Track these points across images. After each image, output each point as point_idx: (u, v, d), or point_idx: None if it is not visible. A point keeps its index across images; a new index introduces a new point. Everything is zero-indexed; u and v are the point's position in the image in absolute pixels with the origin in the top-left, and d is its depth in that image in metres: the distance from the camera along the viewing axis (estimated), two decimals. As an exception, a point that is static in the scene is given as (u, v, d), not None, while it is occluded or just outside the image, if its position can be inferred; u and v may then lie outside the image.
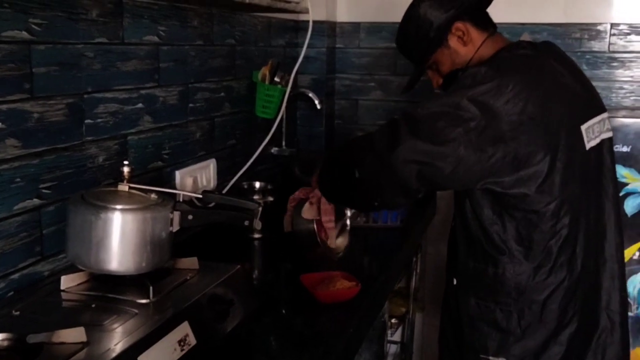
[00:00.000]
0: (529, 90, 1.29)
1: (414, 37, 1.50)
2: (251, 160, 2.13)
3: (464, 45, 1.46)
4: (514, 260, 1.39)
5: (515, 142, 1.27)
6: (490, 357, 1.43)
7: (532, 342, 1.41)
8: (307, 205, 1.58)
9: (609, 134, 1.50)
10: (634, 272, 2.21)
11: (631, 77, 2.36)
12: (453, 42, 1.47)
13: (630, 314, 2.24)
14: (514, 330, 1.41)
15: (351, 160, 1.40)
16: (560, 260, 1.38)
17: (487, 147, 1.26)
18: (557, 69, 1.40)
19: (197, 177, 1.86)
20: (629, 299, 2.23)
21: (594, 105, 1.48)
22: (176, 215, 1.26)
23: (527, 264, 1.38)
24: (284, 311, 1.42)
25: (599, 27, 2.37)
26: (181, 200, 1.32)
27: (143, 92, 1.61)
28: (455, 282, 1.51)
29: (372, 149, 1.33)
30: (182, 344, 1.10)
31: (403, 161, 1.28)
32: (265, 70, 2.17)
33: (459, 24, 1.45)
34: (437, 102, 1.31)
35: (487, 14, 1.52)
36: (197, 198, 1.40)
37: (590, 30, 2.38)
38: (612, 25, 2.35)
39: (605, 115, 1.49)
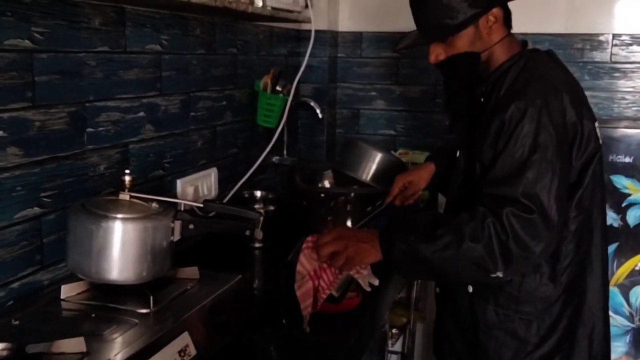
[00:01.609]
0: (571, 108, 1.33)
1: (447, 4, 1.39)
2: (252, 169, 2.12)
3: (488, 34, 1.42)
4: (542, 271, 1.39)
5: (568, 157, 1.34)
6: None
7: (547, 349, 1.42)
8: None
9: (599, 142, 1.50)
10: (637, 284, 2.20)
11: (633, 87, 2.36)
12: (482, 24, 1.41)
13: (632, 325, 2.23)
14: (532, 340, 1.41)
15: (488, 268, 1.28)
16: (587, 273, 1.42)
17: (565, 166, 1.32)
18: (573, 79, 1.44)
19: (198, 186, 1.86)
20: (631, 311, 2.22)
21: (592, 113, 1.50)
22: (177, 225, 1.26)
23: (554, 275, 1.39)
24: (284, 321, 1.41)
25: (601, 38, 2.37)
26: (182, 209, 1.31)
27: (145, 100, 1.61)
28: (471, 290, 1.48)
29: (510, 251, 1.26)
30: (182, 354, 1.10)
31: (548, 246, 1.29)
32: (267, 79, 2.17)
33: (496, 10, 1.41)
34: (512, 166, 1.28)
35: (510, 12, 1.48)
36: (198, 207, 1.39)
37: (592, 41, 2.38)
38: (614, 35, 2.36)
39: (597, 124, 1.50)
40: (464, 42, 1.42)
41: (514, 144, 1.28)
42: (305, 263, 1.35)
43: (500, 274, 1.27)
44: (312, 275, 1.35)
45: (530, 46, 1.48)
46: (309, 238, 1.37)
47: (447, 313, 1.59)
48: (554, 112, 1.30)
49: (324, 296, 1.35)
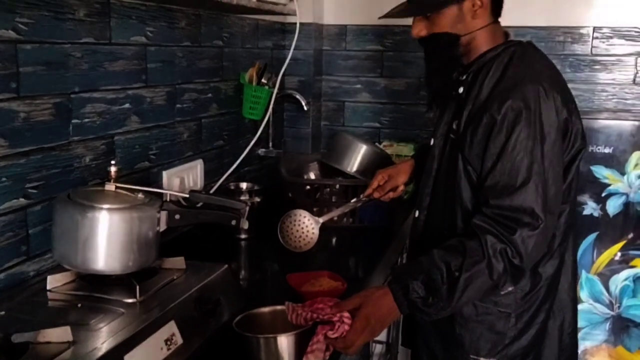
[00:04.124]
0: (563, 107, 1.33)
1: None
2: (238, 162, 2.13)
3: (472, 18, 1.41)
4: None
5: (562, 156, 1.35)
6: (481, 359, 1.42)
7: (524, 342, 1.42)
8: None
9: (585, 139, 1.52)
10: (616, 272, 2.24)
11: (613, 79, 2.40)
12: (467, 7, 1.40)
13: (612, 312, 2.27)
14: (510, 333, 1.41)
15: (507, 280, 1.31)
16: (563, 265, 1.43)
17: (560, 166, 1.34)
18: (558, 73, 1.44)
19: (184, 178, 1.86)
20: (610, 299, 2.27)
21: None
22: (163, 215, 1.26)
23: (533, 267, 1.38)
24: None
25: (582, 31, 2.40)
26: (168, 199, 1.32)
27: (130, 92, 1.61)
28: None
29: (522, 270, 1.28)
30: (168, 343, 1.11)
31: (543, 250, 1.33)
32: (252, 72, 2.17)
33: None
34: (515, 173, 1.27)
35: (502, 1, 1.47)
36: (184, 198, 1.40)
37: (573, 34, 2.41)
38: (595, 28, 2.39)
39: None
40: (445, 21, 1.40)
41: (512, 148, 1.27)
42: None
43: (510, 289, 1.33)
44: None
45: (512, 37, 1.47)
46: (319, 337, 1.19)
47: None
48: (548, 113, 1.29)
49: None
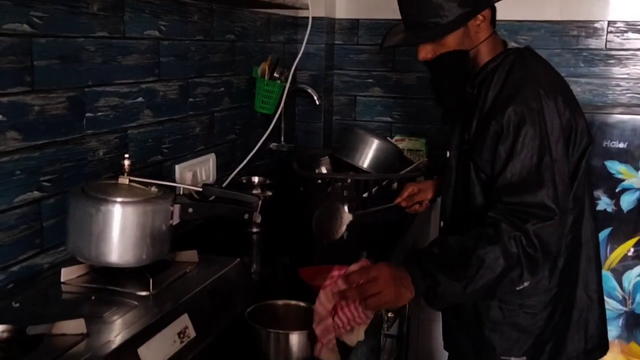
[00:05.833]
0: (565, 107, 1.35)
1: (437, 3, 1.38)
2: (250, 155, 2.14)
3: (476, 32, 1.43)
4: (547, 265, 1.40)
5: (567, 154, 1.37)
6: (512, 358, 1.46)
7: (547, 336, 1.46)
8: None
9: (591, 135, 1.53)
10: (629, 268, 2.23)
11: (628, 74, 2.38)
12: (471, 23, 1.41)
13: (625, 308, 2.26)
14: (536, 330, 1.45)
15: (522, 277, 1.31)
16: (570, 256, 1.44)
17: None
18: (558, 76, 1.47)
19: (196, 172, 1.87)
20: (623, 294, 2.25)
21: None
22: (176, 208, 1.27)
23: (553, 266, 1.41)
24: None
25: (596, 25, 2.38)
26: (181, 193, 1.32)
27: (143, 86, 1.62)
28: None
29: (537, 262, 1.28)
30: (181, 336, 1.11)
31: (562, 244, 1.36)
32: (264, 66, 2.18)
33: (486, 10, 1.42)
34: (526, 171, 1.29)
35: (496, 11, 1.49)
36: (196, 192, 1.40)
37: (587, 28, 2.39)
38: (609, 22, 2.37)
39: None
40: (453, 41, 1.42)
41: (521, 149, 1.29)
42: (325, 302, 1.19)
43: (526, 284, 1.33)
44: (331, 312, 1.20)
45: (509, 45, 1.50)
46: (335, 272, 1.21)
47: (450, 313, 1.62)
48: (552, 113, 1.32)
49: (344, 331, 1.20)
